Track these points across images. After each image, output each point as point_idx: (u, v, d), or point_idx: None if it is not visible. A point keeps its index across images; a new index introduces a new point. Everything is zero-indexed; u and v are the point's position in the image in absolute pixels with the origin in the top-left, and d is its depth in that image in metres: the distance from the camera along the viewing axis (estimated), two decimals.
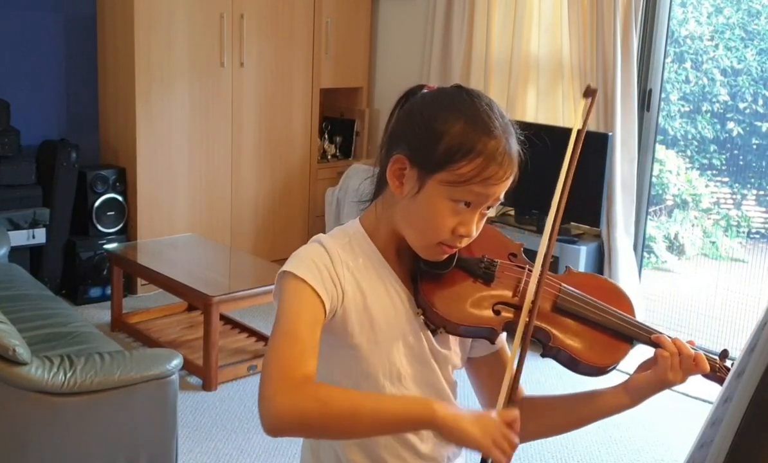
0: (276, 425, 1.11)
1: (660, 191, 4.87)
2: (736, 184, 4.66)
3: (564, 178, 1.28)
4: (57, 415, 2.38)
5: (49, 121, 4.87)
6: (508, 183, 1.24)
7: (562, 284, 1.33)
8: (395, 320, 1.29)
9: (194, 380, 3.80)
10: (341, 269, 1.26)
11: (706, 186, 4.77)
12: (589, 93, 1.33)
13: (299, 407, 1.11)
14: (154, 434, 2.60)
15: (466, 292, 1.29)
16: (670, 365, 1.27)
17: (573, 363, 1.30)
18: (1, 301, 3.28)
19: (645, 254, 4.65)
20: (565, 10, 4.51)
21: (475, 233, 1.25)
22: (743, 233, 4.68)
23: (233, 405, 3.60)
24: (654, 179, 4.58)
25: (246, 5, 5.00)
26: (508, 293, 1.30)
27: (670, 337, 1.31)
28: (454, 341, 1.36)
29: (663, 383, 1.28)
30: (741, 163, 4.67)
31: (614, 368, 1.31)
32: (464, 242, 1.26)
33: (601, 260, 4.37)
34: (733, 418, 0.84)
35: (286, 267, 1.24)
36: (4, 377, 2.29)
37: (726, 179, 4.71)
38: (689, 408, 3.69)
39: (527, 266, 1.34)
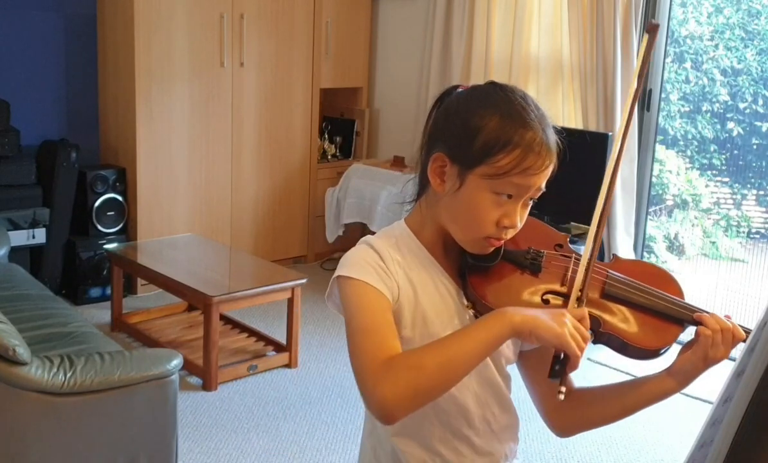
0: (389, 412, 1.14)
1: (660, 191, 4.87)
2: (736, 184, 4.66)
3: (618, 151, 1.31)
4: (57, 415, 2.38)
5: (49, 121, 4.87)
6: (548, 172, 1.26)
7: (609, 271, 1.35)
8: (446, 314, 1.31)
9: (194, 380, 3.80)
10: (392, 265, 1.29)
11: (706, 186, 4.77)
12: (652, 28, 1.30)
13: (399, 384, 1.13)
14: (154, 434, 2.60)
15: (514, 283, 1.32)
16: (712, 343, 1.28)
17: (624, 347, 1.31)
18: (1, 301, 3.28)
19: (645, 253, 4.65)
20: (565, 10, 4.51)
21: (519, 224, 1.28)
22: (743, 233, 4.68)
23: (233, 405, 3.60)
24: (654, 179, 4.58)
25: (246, 5, 5.00)
26: (556, 283, 1.32)
27: (708, 313, 1.32)
28: None
29: (707, 361, 1.29)
30: (741, 163, 4.67)
31: (666, 350, 1.31)
32: (509, 234, 1.28)
33: (601, 260, 4.36)
34: (733, 418, 0.84)
35: (341, 272, 1.27)
36: (4, 377, 2.29)
37: (726, 179, 4.71)
38: (689, 408, 3.69)
39: (573, 255, 1.35)
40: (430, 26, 5.17)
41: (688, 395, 3.78)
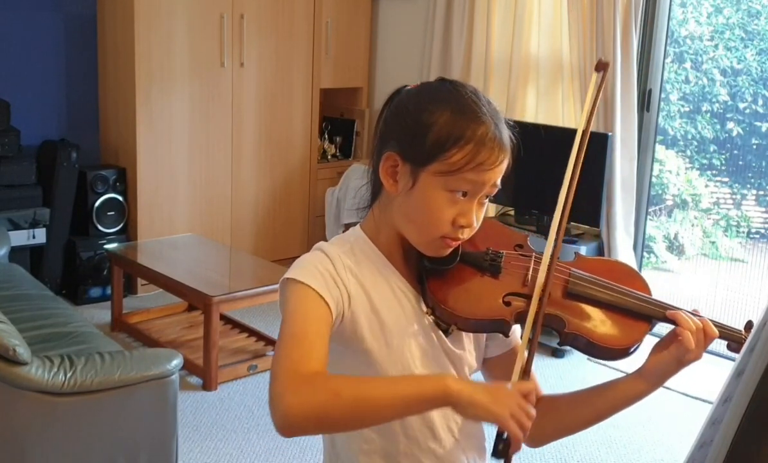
0: (288, 423, 1.08)
1: (660, 191, 4.87)
2: (736, 185, 4.66)
3: (574, 162, 1.26)
4: (57, 415, 2.39)
5: (49, 121, 4.87)
6: (503, 168, 1.23)
7: (572, 269, 1.30)
8: (405, 321, 1.27)
9: (194, 380, 3.80)
10: (344, 272, 1.24)
11: (706, 186, 4.77)
12: (600, 67, 1.28)
13: (311, 401, 1.07)
14: (154, 434, 2.60)
15: (473, 286, 1.28)
16: (694, 343, 1.23)
17: (591, 348, 1.26)
18: (1, 301, 3.28)
19: (645, 253, 4.65)
20: (565, 10, 4.51)
21: (476, 223, 1.24)
22: (743, 233, 4.68)
23: (233, 405, 3.61)
24: (654, 179, 4.58)
25: (246, 5, 5.00)
26: (517, 284, 1.28)
27: (679, 309, 1.26)
28: (468, 340, 1.34)
29: (681, 363, 1.25)
30: (741, 163, 4.67)
31: (635, 349, 1.26)
32: (467, 234, 1.25)
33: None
34: (733, 418, 0.84)
35: (288, 274, 1.22)
36: (4, 377, 2.29)
37: (726, 179, 4.71)
38: (689, 408, 3.69)
39: (534, 254, 1.31)
40: (430, 26, 5.17)
41: (687, 395, 3.79)
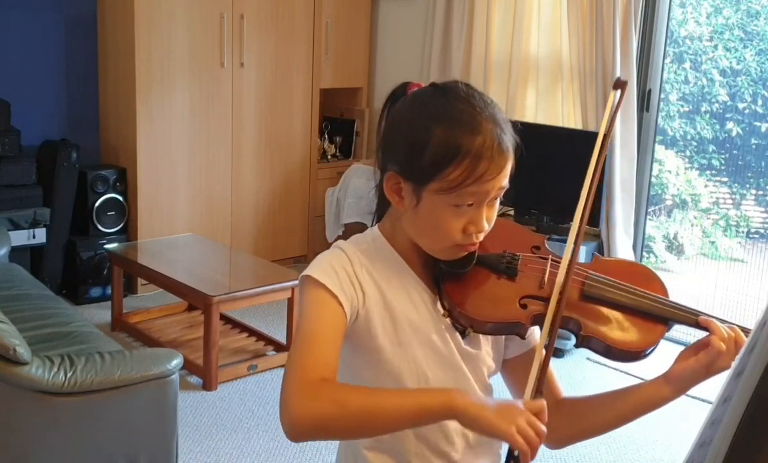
0: (294, 430, 1.12)
1: (659, 191, 4.87)
2: (735, 184, 4.66)
3: (594, 166, 1.27)
4: (57, 415, 2.39)
5: (50, 121, 4.87)
6: (506, 172, 1.21)
7: (590, 271, 1.30)
8: (419, 322, 1.28)
9: (194, 379, 3.81)
10: (360, 270, 1.25)
11: (705, 186, 4.78)
12: (618, 85, 1.27)
13: (316, 410, 1.10)
14: (154, 434, 2.60)
15: (490, 288, 1.28)
16: (725, 351, 1.21)
17: (607, 350, 1.25)
18: (1, 301, 3.28)
19: (644, 253, 4.65)
20: (564, 10, 4.51)
21: (487, 226, 1.23)
22: (742, 232, 4.69)
23: (233, 405, 3.61)
24: (653, 179, 4.58)
25: (246, 5, 5.01)
26: (534, 286, 1.27)
27: (713, 317, 1.25)
28: (485, 341, 1.33)
29: (710, 371, 1.23)
30: (740, 163, 4.68)
31: (651, 351, 1.26)
32: (480, 237, 1.24)
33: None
34: (732, 417, 0.84)
35: (307, 271, 1.24)
36: (4, 377, 2.29)
37: (725, 179, 4.72)
38: (689, 408, 3.70)
39: (551, 256, 1.31)
40: (430, 26, 5.17)
41: (687, 395, 3.78)
